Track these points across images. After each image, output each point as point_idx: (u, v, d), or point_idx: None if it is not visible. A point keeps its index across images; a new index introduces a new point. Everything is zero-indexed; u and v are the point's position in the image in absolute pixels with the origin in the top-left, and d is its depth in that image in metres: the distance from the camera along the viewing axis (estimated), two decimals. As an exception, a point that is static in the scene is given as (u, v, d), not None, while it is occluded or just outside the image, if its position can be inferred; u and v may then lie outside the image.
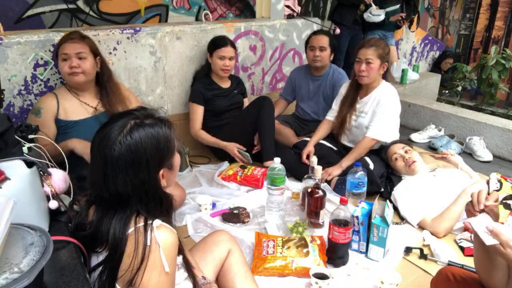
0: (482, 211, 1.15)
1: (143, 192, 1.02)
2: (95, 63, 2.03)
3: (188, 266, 1.17)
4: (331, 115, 2.73)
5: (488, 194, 1.16)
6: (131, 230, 0.98)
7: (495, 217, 1.12)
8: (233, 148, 2.68)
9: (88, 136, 1.91)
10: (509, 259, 1.02)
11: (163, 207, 1.07)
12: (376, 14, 4.11)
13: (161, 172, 1.05)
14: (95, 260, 1.06)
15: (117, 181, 0.99)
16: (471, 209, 1.17)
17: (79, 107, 2.05)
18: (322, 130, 2.73)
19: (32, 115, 2.00)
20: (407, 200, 2.15)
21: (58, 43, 2.01)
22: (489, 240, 1.04)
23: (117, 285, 1.00)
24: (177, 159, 1.12)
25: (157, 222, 0.99)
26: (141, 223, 0.99)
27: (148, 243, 0.95)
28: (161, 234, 0.98)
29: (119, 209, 1.01)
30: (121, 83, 2.33)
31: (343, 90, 2.67)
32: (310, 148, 2.62)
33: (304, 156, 2.58)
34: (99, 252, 1.03)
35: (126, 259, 0.96)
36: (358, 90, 2.58)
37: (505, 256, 1.02)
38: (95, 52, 2.05)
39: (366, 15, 4.17)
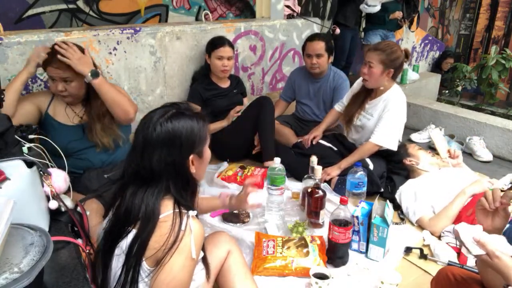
0: (495, 210, 1.14)
1: (173, 170, 1.13)
2: (83, 82, 1.87)
3: (204, 258, 1.24)
4: (339, 107, 2.75)
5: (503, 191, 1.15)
6: (169, 212, 1.08)
7: (506, 217, 1.12)
8: (228, 118, 2.70)
9: (66, 142, 1.91)
10: (496, 268, 1.01)
11: (189, 188, 1.18)
12: (372, 5, 4.10)
13: (191, 157, 1.16)
14: (120, 249, 1.10)
15: (153, 158, 1.11)
16: (486, 206, 1.16)
17: (67, 113, 1.97)
18: (329, 118, 2.76)
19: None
20: (412, 198, 2.16)
21: (43, 61, 1.82)
22: (475, 250, 1.04)
23: (145, 264, 1.06)
24: (207, 152, 1.24)
25: (192, 212, 1.11)
26: (178, 209, 1.09)
27: (183, 228, 1.05)
28: (194, 224, 1.08)
29: (151, 184, 1.12)
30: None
31: (356, 86, 2.65)
32: (317, 133, 2.61)
33: (310, 138, 2.52)
34: (129, 230, 1.09)
35: (160, 238, 1.03)
36: (370, 90, 2.55)
37: (492, 266, 1.01)
38: None
39: (362, 6, 4.17)
